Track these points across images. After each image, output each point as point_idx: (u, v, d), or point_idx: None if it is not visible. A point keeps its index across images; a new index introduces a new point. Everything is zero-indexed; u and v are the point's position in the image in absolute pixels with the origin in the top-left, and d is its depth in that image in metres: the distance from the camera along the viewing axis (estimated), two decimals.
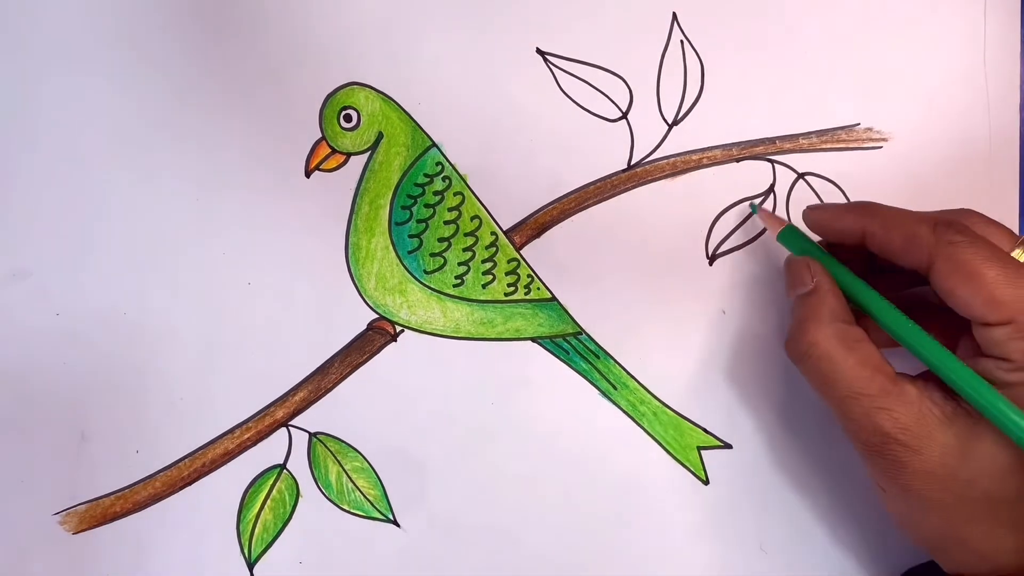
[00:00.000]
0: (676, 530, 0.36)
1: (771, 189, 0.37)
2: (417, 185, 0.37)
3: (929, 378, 0.29)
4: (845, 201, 0.32)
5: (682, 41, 0.37)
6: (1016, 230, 0.37)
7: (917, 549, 0.35)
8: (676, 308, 0.37)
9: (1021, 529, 0.28)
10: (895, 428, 0.28)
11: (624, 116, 0.37)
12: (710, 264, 0.37)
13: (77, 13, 0.37)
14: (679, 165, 0.37)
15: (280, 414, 0.36)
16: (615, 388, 0.36)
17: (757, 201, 0.36)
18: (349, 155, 0.37)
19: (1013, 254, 0.28)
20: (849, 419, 0.29)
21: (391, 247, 0.36)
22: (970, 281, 0.27)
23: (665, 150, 0.37)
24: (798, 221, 0.37)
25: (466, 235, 0.36)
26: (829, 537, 0.36)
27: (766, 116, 0.37)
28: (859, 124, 0.37)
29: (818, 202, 0.33)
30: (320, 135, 0.37)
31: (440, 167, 0.37)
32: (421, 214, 0.36)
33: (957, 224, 0.28)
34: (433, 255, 0.36)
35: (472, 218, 0.37)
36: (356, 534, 0.36)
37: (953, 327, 0.30)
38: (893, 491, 0.29)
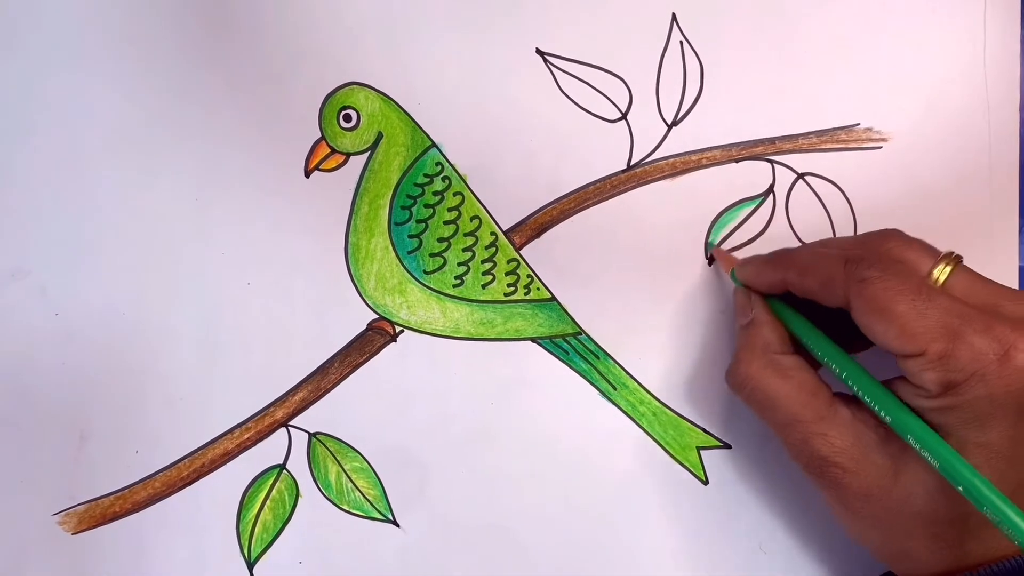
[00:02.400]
0: (676, 530, 0.36)
1: (771, 189, 0.37)
2: (417, 185, 0.37)
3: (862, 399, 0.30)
4: (767, 253, 0.33)
5: (682, 42, 0.37)
6: (1016, 231, 0.37)
7: None
8: (676, 308, 0.37)
9: (957, 545, 0.28)
10: (831, 451, 0.29)
11: (624, 116, 0.37)
12: (710, 264, 0.37)
13: (77, 13, 0.37)
14: (679, 165, 0.37)
15: (280, 414, 0.36)
16: (615, 388, 0.36)
17: (716, 241, 0.37)
18: (349, 155, 0.37)
19: (935, 271, 0.28)
20: (788, 444, 0.30)
21: (391, 247, 0.36)
22: (882, 317, 0.27)
23: (665, 150, 0.37)
24: (797, 220, 0.37)
25: (466, 235, 0.36)
26: (829, 537, 0.36)
27: (766, 116, 0.37)
28: (859, 124, 0.37)
29: (752, 255, 0.34)
30: (320, 135, 0.37)
31: (440, 167, 0.37)
32: (421, 214, 0.36)
33: (867, 259, 0.28)
34: (433, 255, 0.36)
35: (472, 218, 0.37)
36: (356, 534, 0.36)
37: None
38: (836, 508, 0.30)
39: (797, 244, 0.37)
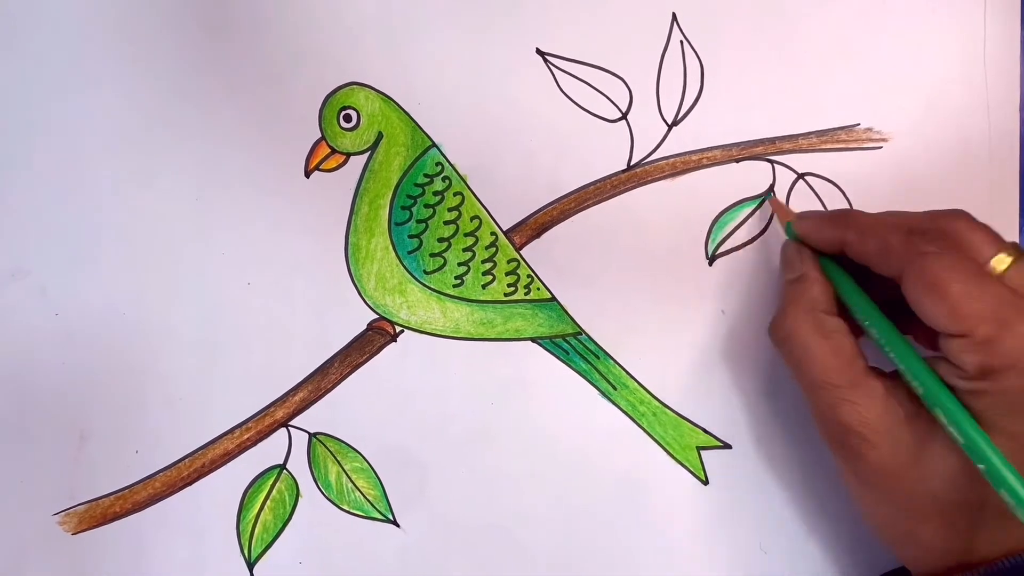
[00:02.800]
0: (676, 530, 0.36)
1: (771, 189, 0.37)
2: (417, 185, 0.37)
3: (899, 375, 0.29)
4: (831, 209, 0.33)
5: (682, 42, 0.37)
6: (1016, 231, 0.37)
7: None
8: (676, 308, 0.37)
9: (965, 532, 0.28)
10: (856, 421, 0.28)
11: (624, 116, 0.37)
12: (710, 264, 0.37)
13: (77, 13, 0.37)
14: (679, 165, 0.37)
15: (280, 414, 0.36)
16: (615, 388, 0.36)
17: (774, 191, 0.36)
18: (349, 155, 0.37)
19: (994, 260, 0.28)
20: (815, 406, 0.30)
21: (391, 247, 0.36)
22: (933, 293, 0.27)
23: (665, 150, 0.37)
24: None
25: (466, 235, 0.36)
26: (829, 537, 0.36)
27: (766, 116, 0.37)
28: (859, 124, 0.37)
29: (811, 209, 0.34)
30: (320, 135, 0.37)
31: (440, 167, 0.37)
32: (421, 214, 0.36)
33: (931, 232, 0.28)
34: (433, 255, 0.36)
35: (472, 218, 0.37)
36: (356, 534, 0.36)
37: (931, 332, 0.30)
38: (851, 480, 0.30)
39: None
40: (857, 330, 0.31)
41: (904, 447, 0.28)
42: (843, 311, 0.31)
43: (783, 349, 0.31)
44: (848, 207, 0.36)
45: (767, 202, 0.36)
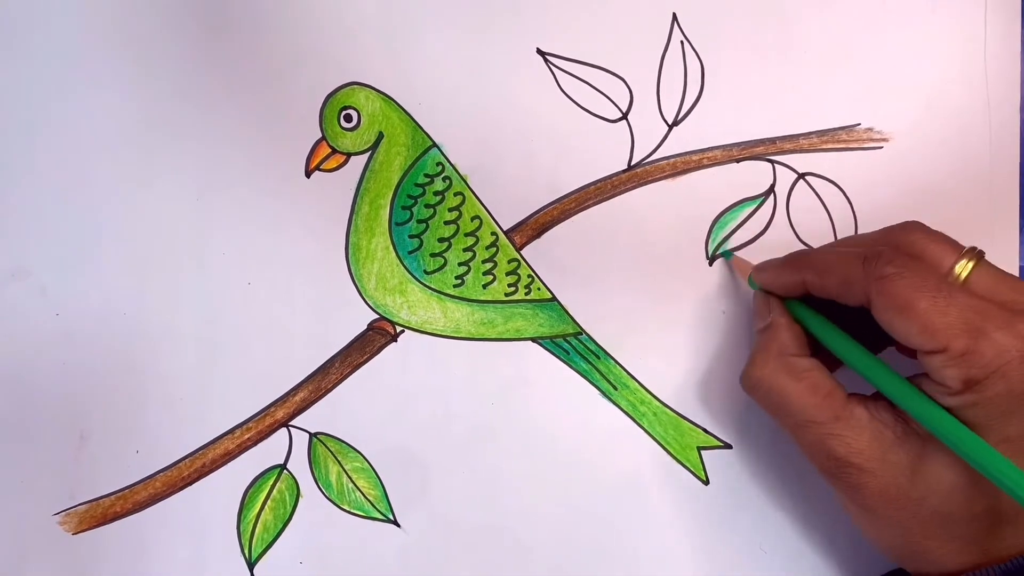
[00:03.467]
0: (676, 530, 0.36)
1: (771, 189, 0.37)
2: (417, 185, 0.36)
3: (880, 398, 0.29)
4: (783, 256, 0.33)
5: (682, 42, 0.37)
6: (1016, 231, 0.37)
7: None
8: (676, 308, 0.37)
9: (976, 543, 0.28)
10: (847, 452, 0.28)
11: (624, 116, 0.37)
12: (710, 264, 0.37)
13: (77, 13, 0.37)
14: (679, 165, 0.37)
15: (280, 414, 0.36)
16: (615, 388, 0.36)
17: (730, 248, 0.37)
18: (349, 155, 0.37)
19: (957, 267, 0.28)
20: (804, 446, 0.30)
21: (391, 247, 0.36)
22: (903, 313, 0.27)
23: (665, 150, 0.37)
24: (798, 221, 0.37)
25: (466, 235, 0.36)
26: (829, 536, 0.36)
27: (766, 116, 0.37)
28: (859, 124, 0.37)
29: (766, 260, 0.34)
30: (320, 135, 0.37)
31: (440, 167, 0.37)
32: (421, 214, 0.36)
33: (886, 255, 0.28)
34: (433, 255, 0.36)
35: (472, 218, 0.37)
36: (356, 534, 0.36)
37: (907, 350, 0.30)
38: (853, 509, 0.30)
39: (799, 245, 0.37)
40: (832, 365, 0.31)
41: (899, 468, 0.28)
42: (818, 350, 0.31)
43: (757, 396, 0.31)
44: (800, 249, 0.36)
45: (730, 262, 0.36)
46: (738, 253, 0.37)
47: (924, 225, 0.30)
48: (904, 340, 0.27)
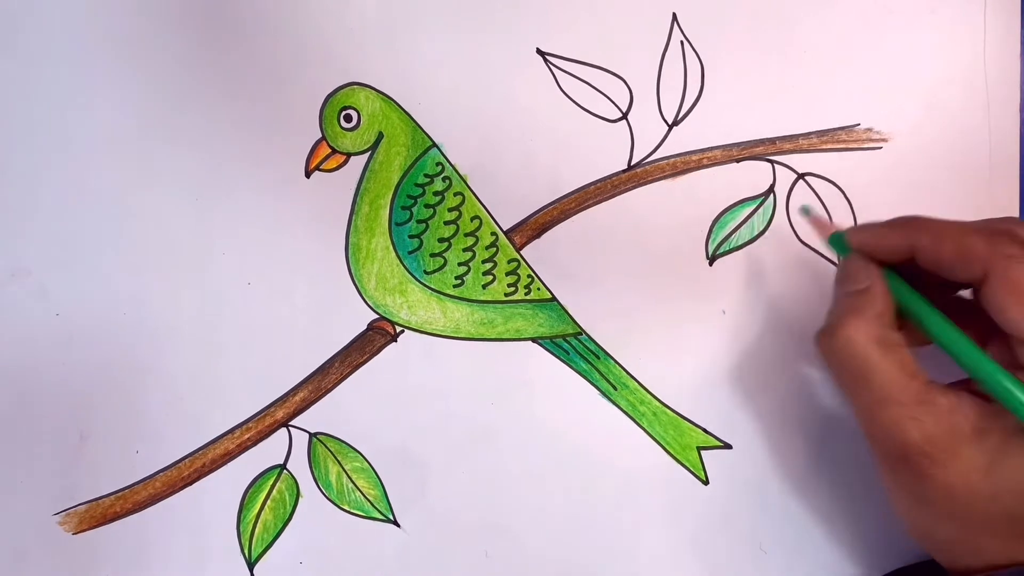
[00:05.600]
0: (676, 530, 0.36)
1: (771, 189, 0.37)
2: (417, 185, 0.36)
3: (961, 390, 0.28)
4: (889, 219, 0.31)
5: (682, 41, 0.37)
6: None
7: (912, 550, 0.35)
8: (676, 308, 0.37)
9: None
10: (922, 439, 0.27)
11: (624, 116, 0.37)
12: (710, 264, 0.37)
13: (77, 12, 0.37)
14: (679, 165, 0.37)
15: (280, 414, 0.36)
16: (615, 388, 0.36)
17: (809, 205, 0.35)
18: (349, 155, 0.37)
19: None
20: (875, 424, 0.28)
21: (391, 247, 0.36)
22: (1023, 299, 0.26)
23: (665, 150, 0.37)
24: (798, 221, 0.37)
25: (466, 235, 0.36)
26: (828, 537, 0.36)
27: (766, 116, 0.37)
28: (859, 124, 0.37)
29: (862, 222, 0.32)
30: (320, 135, 0.37)
31: (440, 167, 0.37)
32: (421, 214, 0.36)
33: (1010, 234, 0.27)
34: (433, 255, 0.36)
35: (472, 218, 0.37)
36: (356, 534, 0.36)
37: (982, 332, 0.29)
38: (907, 499, 0.29)
39: (798, 245, 0.37)
40: (913, 344, 0.29)
41: (972, 464, 0.27)
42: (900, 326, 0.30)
43: (838, 362, 0.29)
44: (804, 247, 0.36)
45: (808, 219, 0.34)
46: (736, 254, 0.37)
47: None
48: (1013, 327, 0.26)
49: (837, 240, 0.32)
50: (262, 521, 0.35)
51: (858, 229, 0.31)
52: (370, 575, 0.35)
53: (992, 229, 0.27)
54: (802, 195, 0.37)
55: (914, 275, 0.30)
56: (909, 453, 0.27)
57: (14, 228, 0.36)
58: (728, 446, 0.36)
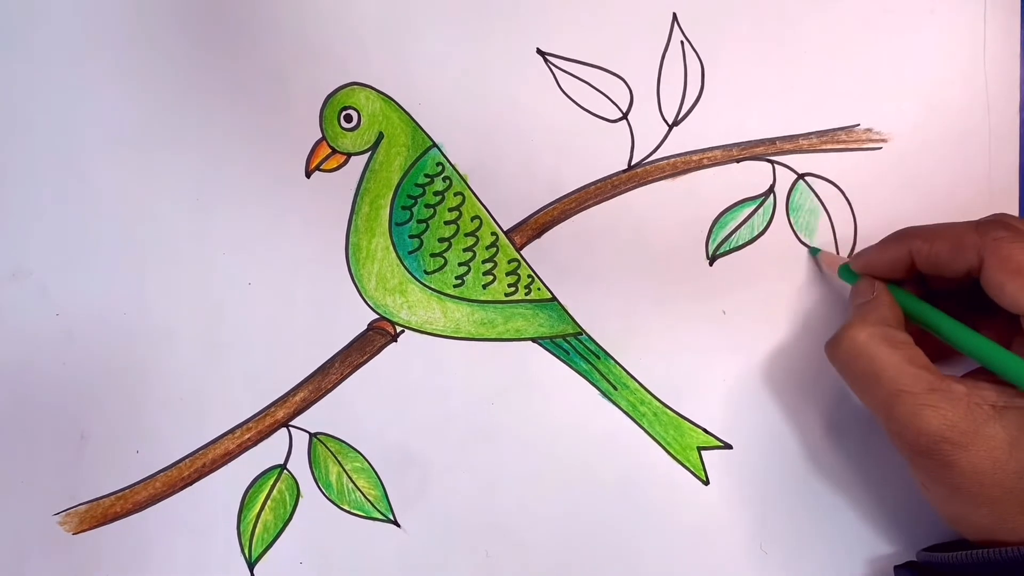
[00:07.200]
0: (676, 530, 0.36)
1: (771, 190, 0.37)
2: (418, 185, 0.37)
3: (977, 376, 0.29)
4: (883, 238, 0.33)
5: (682, 42, 0.37)
6: None
7: (912, 550, 0.35)
8: (676, 308, 0.37)
9: None
10: (943, 425, 0.28)
11: (624, 116, 0.37)
12: (710, 264, 0.37)
13: (77, 12, 0.37)
14: (679, 165, 0.37)
15: (280, 414, 0.36)
16: (615, 388, 0.36)
17: (817, 245, 0.37)
18: (349, 155, 0.37)
19: None
20: (894, 419, 0.29)
21: (391, 247, 0.36)
22: (1018, 274, 0.27)
23: (665, 150, 0.37)
24: (798, 221, 0.37)
25: (466, 235, 0.36)
26: (829, 537, 0.36)
27: (766, 116, 0.37)
28: (859, 124, 0.37)
29: (859, 249, 0.35)
30: (320, 135, 0.37)
31: (440, 167, 0.37)
32: (421, 214, 0.36)
33: (1000, 221, 0.29)
34: (433, 255, 0.36)
35: (472, 218, 0.37)
36: (356, 534, 0.36)
37: (1003, 332, 0.31)
38: (940, 491, 0.29)
39: (798, 245, 0.37)
40: (931, 357, 0.30)
41: (997, 442, 0.27)
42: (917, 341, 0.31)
43: (848, 363, 0.30)
44: (804, 247, 0.37)
45: (817, 258, 0.37)
46: (737, 254, 0.37)
47: (1014, 215, 0.31)
48: (1012, 303, 0.27)
49: (846, 271, 0.34)
50: (262, 521, 0.35)
51: (858, 254, 0.34)
52: (370, 575, 0.35)
53: (981, 221, 0.29)
54: (802, 195, 0.37)
55: (927, 297, 0.32)
56: (931, 442, 0.28)
57: (14, 228, 0.36)
58: (728, 446, 0.36)
